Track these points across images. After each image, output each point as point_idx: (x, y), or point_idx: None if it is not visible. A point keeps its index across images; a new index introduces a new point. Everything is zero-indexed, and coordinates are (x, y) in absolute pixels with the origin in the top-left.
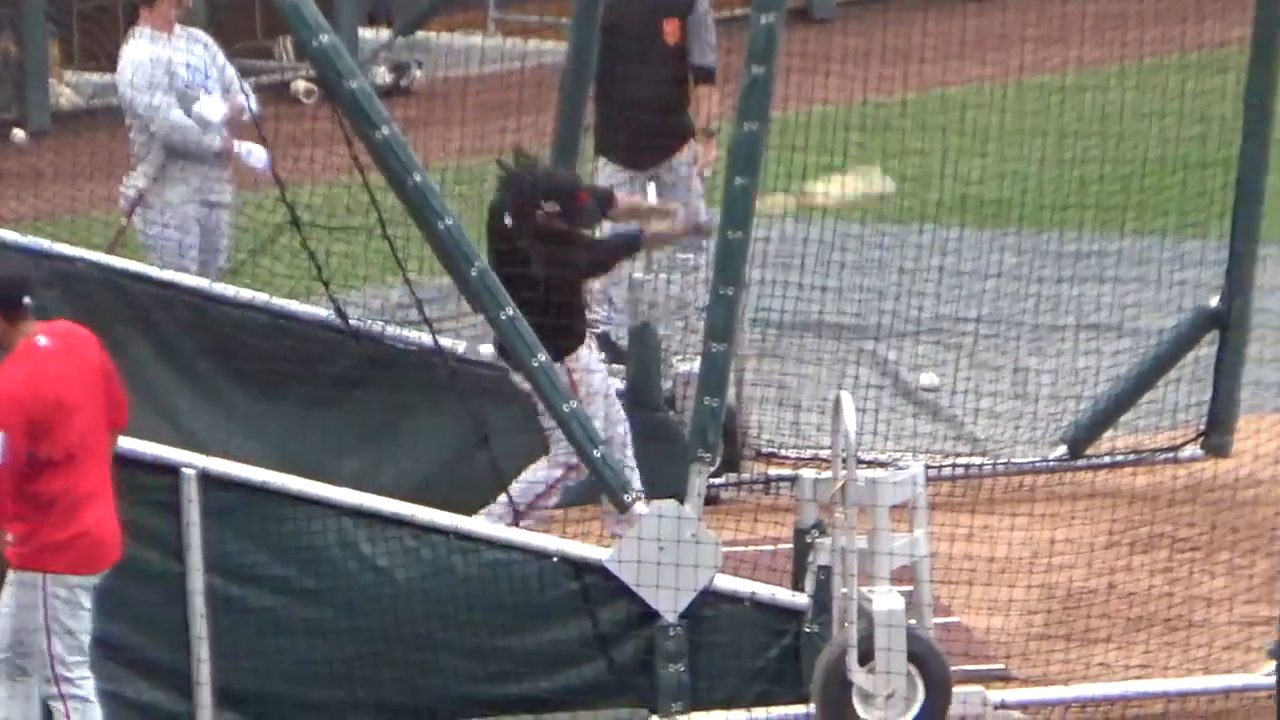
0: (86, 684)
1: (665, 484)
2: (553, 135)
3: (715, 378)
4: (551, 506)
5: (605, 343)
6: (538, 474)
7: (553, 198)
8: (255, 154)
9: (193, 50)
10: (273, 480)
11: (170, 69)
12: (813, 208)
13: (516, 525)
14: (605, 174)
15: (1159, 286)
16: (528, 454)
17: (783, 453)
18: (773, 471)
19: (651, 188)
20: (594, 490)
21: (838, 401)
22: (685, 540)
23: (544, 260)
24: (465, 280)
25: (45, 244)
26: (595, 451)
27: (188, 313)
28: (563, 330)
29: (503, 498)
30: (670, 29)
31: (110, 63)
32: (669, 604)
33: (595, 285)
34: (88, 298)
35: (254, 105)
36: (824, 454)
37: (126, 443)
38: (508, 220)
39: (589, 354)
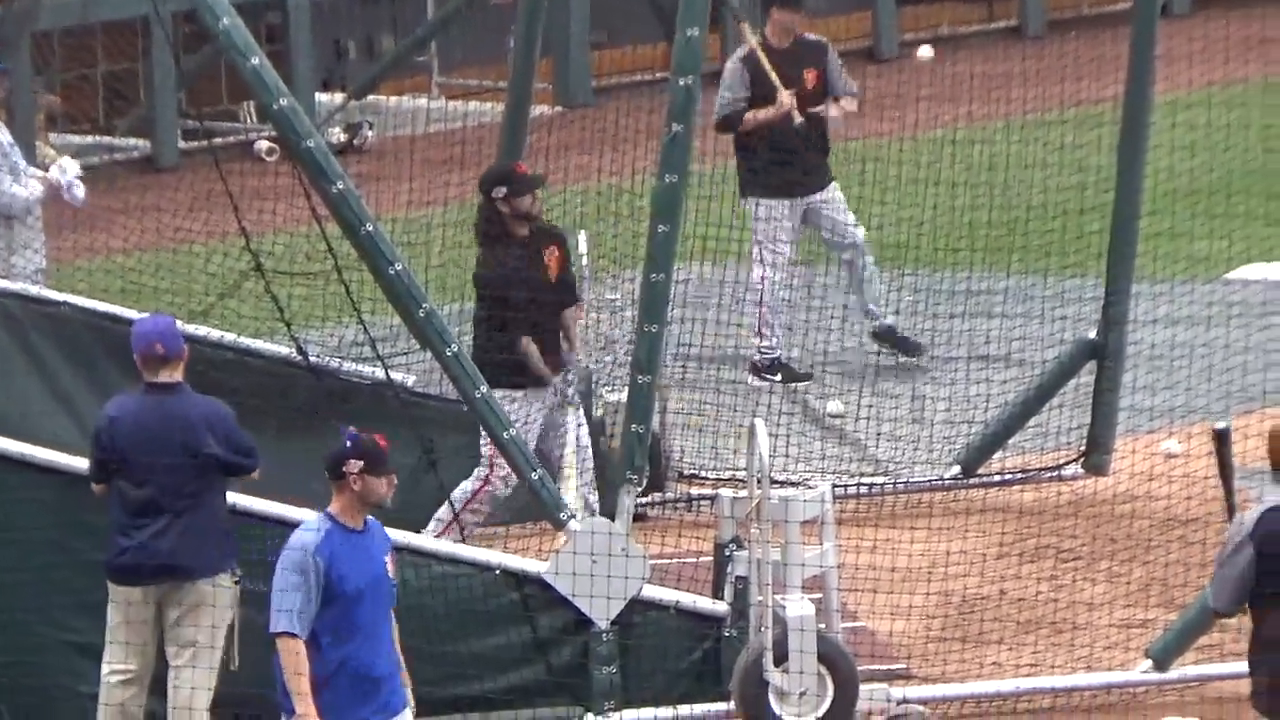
0: None
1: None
2: None
3: (641, 407)
4: (483, 520)
5: (777, 365)
6: (463, 489)
7: (496, 183)
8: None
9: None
10: (243, 502)
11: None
12: None
13: (445, 535)
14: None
15: (1042, 321)
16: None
17: (703, 474)
18: (694, 491)
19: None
20: (531, 509)
21: (752, 428)
22: (616, 554)
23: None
24: (413, 319)
25: (32, 289)
26: (533, 474)
27: None
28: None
29: (440, 512)
30: (811, 77)
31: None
32: (601, 612)
33: (765, 314)
34: (73, 339)
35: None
36: (740, 475)
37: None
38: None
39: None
